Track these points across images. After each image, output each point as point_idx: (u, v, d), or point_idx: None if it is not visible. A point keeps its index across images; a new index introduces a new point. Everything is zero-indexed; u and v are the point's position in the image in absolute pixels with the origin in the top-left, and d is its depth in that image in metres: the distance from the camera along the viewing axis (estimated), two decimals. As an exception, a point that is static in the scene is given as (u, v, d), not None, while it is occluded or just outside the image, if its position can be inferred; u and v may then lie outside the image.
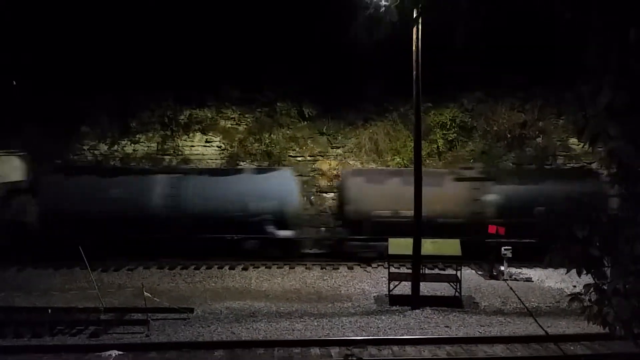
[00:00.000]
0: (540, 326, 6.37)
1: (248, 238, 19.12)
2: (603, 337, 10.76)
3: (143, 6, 23.66)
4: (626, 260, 3.91)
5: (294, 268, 18.63)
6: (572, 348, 11.44)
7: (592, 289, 4.14)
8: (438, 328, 12.83)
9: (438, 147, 23.62)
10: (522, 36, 21.84)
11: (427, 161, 23.10)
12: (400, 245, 15.16)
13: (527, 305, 14.55)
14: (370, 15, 4.84)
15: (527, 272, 18.10)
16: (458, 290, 14.86)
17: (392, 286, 15.07)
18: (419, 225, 14.30)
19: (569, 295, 4.45)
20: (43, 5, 23.46)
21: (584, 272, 4.07)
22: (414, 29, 13.56)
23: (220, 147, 24.38)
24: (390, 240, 15.46)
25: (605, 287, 4.05)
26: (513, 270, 17.89)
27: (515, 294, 10.77)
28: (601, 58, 3.57)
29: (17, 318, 12.71)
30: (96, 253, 15.86)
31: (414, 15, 6.47)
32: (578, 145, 23.32)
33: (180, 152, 24.19)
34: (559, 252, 4.05)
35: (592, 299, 4.17)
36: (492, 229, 17.30)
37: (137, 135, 24.45)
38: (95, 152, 24.14)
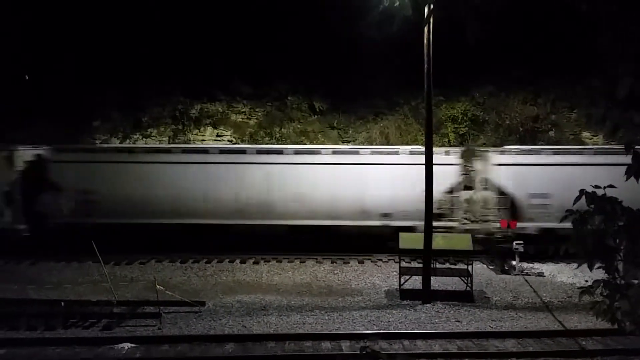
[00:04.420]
0: (557, 320, 6.31)
1: None
2: (615, 332, 10.69)
3: (155, 1, 23.76)
4: None
5: (304, 262, 18.65)
6: (583, 343, 11.37)
7: (602, 284, 4.11)
8: (449, 322, 12.78)
9: (449, 140, 23.51)
10: (535, 29, 21.69)
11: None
12: (411, 239, 15.12)
13: (538, 300, 14.47)
14: (382, 9, 4.81)
15: (539, 266, 17.98)
16: (469, 284, 14.80)
17: (402, 280, 15.05)
18: (430, 219, 14.22)
19: (579, 288, 4.42)
20: (55, 1, 23.62)
21: (596, 265, 4.04)
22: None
23: (231, 141, 24.48)
24: (401, 234, 15.40)
25: (618, 282, 4.02)
26: (525, 265, 17.79)
27: (530, 288, 10.73)
28: (616, 47, 3.53)
29: (31, 311, 12.85)
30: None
31: (425, 15, 6.43)
32: (591, 139, 23.12)
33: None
34: (575, 242, 4.03)
35: (604, 294, 4.14)
36: (503, 224, 17.17)
37: (149, 130, 24.62)
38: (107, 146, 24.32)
